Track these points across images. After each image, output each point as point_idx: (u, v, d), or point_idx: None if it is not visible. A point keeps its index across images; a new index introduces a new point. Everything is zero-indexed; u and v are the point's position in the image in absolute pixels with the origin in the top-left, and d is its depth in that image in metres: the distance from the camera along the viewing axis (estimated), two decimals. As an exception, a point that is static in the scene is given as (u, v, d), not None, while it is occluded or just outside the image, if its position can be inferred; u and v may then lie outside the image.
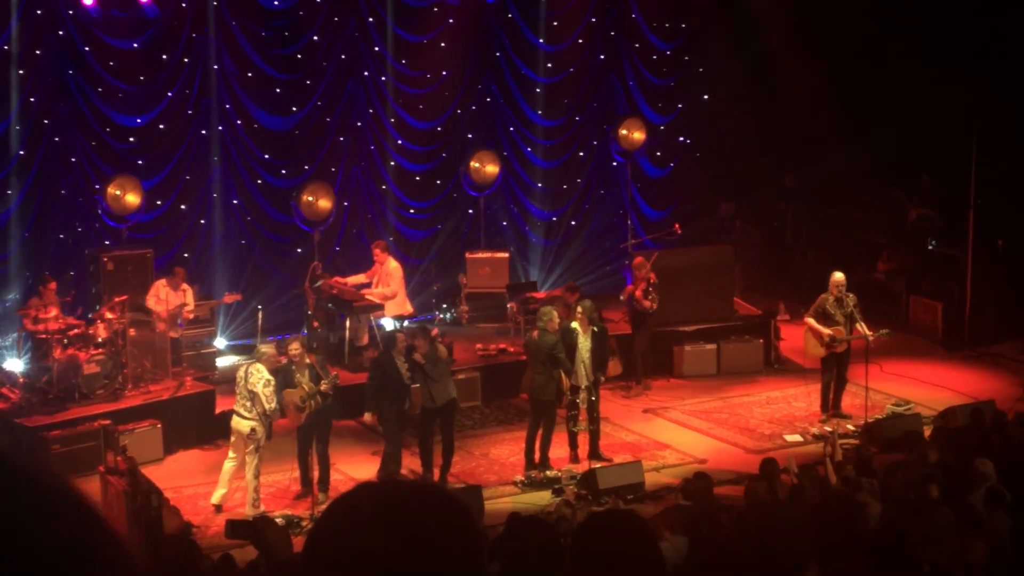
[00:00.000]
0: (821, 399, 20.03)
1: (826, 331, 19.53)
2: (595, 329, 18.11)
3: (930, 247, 25.71)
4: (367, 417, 17.07)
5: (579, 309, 18.22)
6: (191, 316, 20.70)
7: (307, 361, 16.60)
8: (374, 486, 2.33)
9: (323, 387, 16.41)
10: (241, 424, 16.27)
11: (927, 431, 17.75)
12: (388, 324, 21.28)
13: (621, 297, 21.92)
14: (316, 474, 16.77)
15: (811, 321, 19.79)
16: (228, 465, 16.54)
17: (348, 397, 18.51)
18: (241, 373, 16.43)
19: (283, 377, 16.40)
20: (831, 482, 14.38)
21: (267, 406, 16.09)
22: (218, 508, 16.50)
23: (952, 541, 11.32)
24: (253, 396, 16.10)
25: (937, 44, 24.64)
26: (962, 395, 20.51)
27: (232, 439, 16.56)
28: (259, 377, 16.12)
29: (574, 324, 18.03)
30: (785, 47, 26.03)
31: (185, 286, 20.50)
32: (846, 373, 19.96)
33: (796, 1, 25.99)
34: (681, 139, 27.75)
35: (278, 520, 15.04)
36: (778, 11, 26.09)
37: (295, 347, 16.64)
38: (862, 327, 19.50)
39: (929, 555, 11.01)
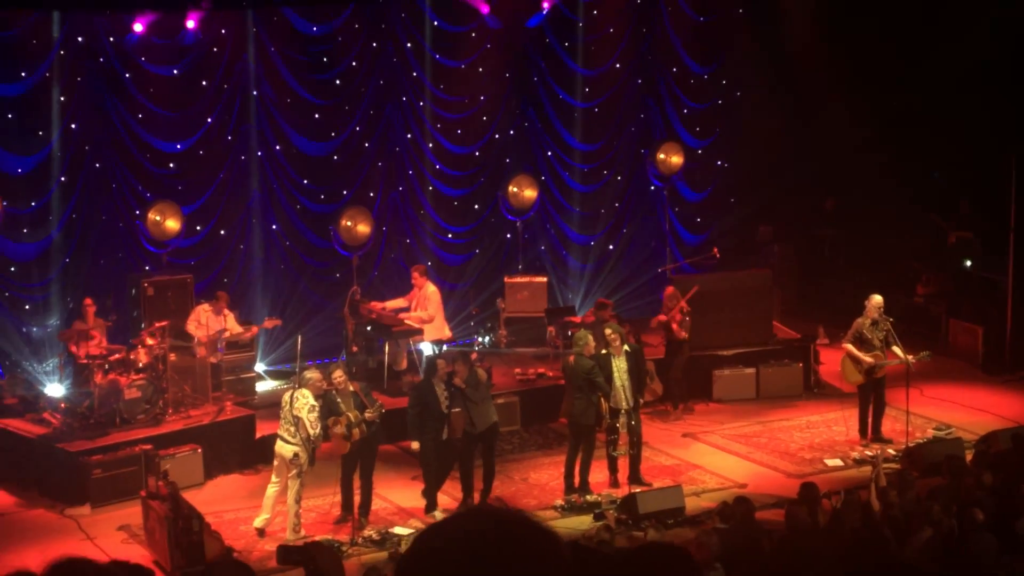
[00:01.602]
0: (860, 424, 19.97)
1: (867, 359, 19.46)
2: (627, 348, 18.10)
3: (968, 268, 25.59)
4: (414, 445, 17.04)
5: (608, 331, 18.18)
6: (236, 339, 20.84)
7: (351, 389, 16.62)
8: (467, 515, 2.35)
9: (368, 416, 16.42)
10: (285, 449, 16.29)
11: (968, 455, 17.66)
12: (426, 349, 21.32)
13: (652, 325, 21.92)
14: (358, 499, 16.76)
15: (851, 348, 19.71)
16: (271, 490, 16.55)
17: (387, 422, 18.54)
18: (286, 398, 16.45)
19: (327, 404, 16.42)
20: (874, 508, 14.30)
21: (311, 432, 16.12)
22: (260, 532, 16.51)
23: (997, 566, 11.26)
24: (297, 421, 16.12)
25: (976, 68, 24.58)
26: (1003, 419, 20.40)
27: (275, 463, 16.58)
28: (304, 403, 16.15)
29: (604, 351, 17.98)
30: (823, 69, 26.02)
31: (227, 311, 20.59)
32: (884, 397, 19.90)
33: (835, 26, 25.97)
34: (719, 163, 27.73)
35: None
36: (817, 36, 26.09)
37: (339, 375, 16.66)
38: (899, 351, 19.43)
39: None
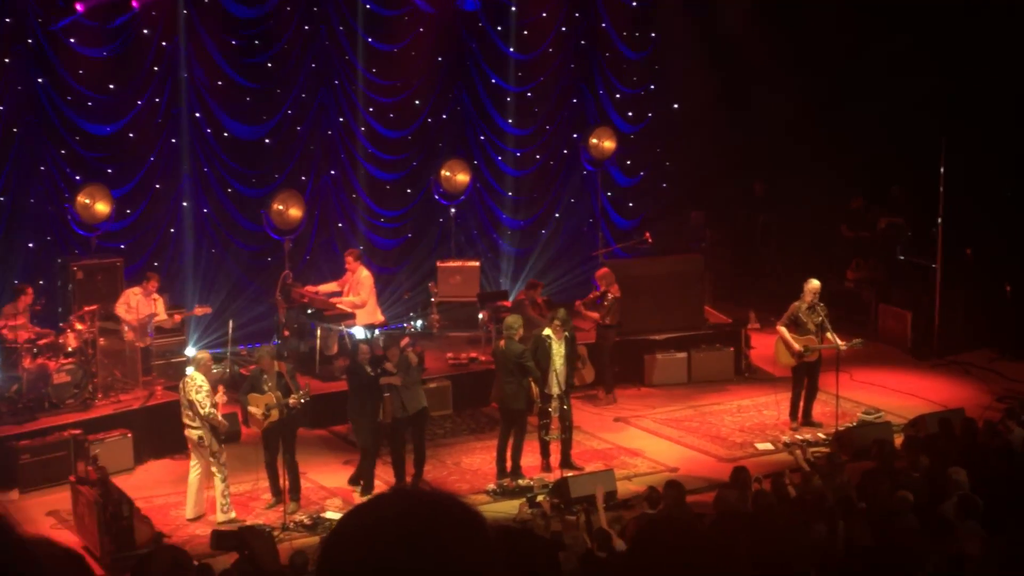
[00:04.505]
0: (791, 408, 20.07)
1: (797, 346, 19.58)
2: (567, 335, 18.16)
3: (900, 257, 25.81)
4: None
5: (555, 320, 18.21)
6: (170, 325, 20.70)
7: (276, 369, 16.58)
8: (391, 496, 2.34)
9: (291, 402, 16.38)
10: (191, 433, 16.39)
11: (897, 439, 17.81)
12: (359, 333, 21.27)
13: (576, 307, 21.85)
14: (285, 483, 16.72)
15: (783, 331, 19.82)
16: (192, 475, 16.56)
17: (319, 406, 18.49)
18: (180, 385, 16.51)
19: (251, 381, 16.51)
20: (789, 494, 14.34)
21: (201, 411, 16.12)
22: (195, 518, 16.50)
23: (921, 548, 11.36)
24: (192, 404, 16.16)
25: (908, 54, 24.72)
26: (932, 403, 20.58)
27: (189, 448, 16.63)
28: (192, 384, 16.20)
29: (547, 332, 18.04)
30: (757, 55, 26.07)
31: (156, 296, 20.39)
32: (817, 382, 20.02)
33: (768, 10, 26.05)
34: (652, 148, 27.77)
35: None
36: (750, 19, 26.16)
37: (264, 351, 16.78)
38: (833, 337, 19.55)
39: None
